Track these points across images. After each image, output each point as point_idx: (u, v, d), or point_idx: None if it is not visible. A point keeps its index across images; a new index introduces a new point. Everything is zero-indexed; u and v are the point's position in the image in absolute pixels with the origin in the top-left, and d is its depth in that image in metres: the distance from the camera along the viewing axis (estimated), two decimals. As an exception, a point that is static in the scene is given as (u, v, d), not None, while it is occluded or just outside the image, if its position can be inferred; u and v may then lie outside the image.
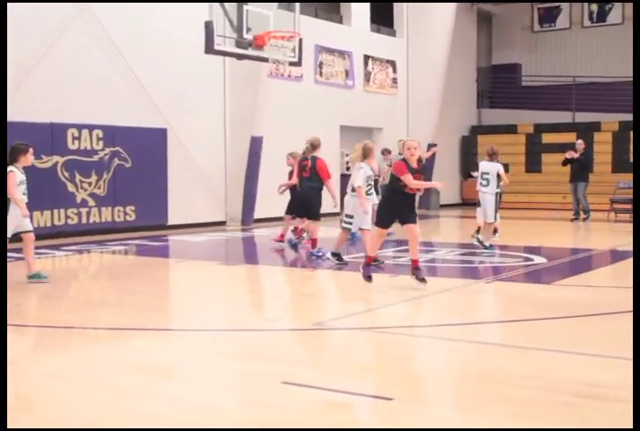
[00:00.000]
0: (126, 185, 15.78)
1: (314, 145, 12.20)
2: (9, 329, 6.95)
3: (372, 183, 11.05)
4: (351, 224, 10.96)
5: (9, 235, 9.33)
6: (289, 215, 13.48)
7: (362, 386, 5.20)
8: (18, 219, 9.28)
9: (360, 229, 11.08)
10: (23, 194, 9.35)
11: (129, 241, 14.34)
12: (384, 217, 9.07)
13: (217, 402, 4.84)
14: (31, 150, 9.45)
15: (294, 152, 13.65)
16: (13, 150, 9.36)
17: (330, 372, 5.62)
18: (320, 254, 11.87)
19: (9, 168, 9.18)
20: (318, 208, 12.26)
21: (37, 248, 12.91)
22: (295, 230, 12.86)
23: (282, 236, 13.42)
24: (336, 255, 11.07)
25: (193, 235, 15.69)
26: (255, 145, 17.93)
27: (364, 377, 5.48)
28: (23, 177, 9.34)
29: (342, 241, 11.19)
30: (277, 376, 5.29)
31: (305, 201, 12.30)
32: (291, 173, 13.47)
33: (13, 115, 13.95)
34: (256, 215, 18.17)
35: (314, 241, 12.09)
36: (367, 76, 22.86)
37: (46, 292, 9.03)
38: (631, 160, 21.84)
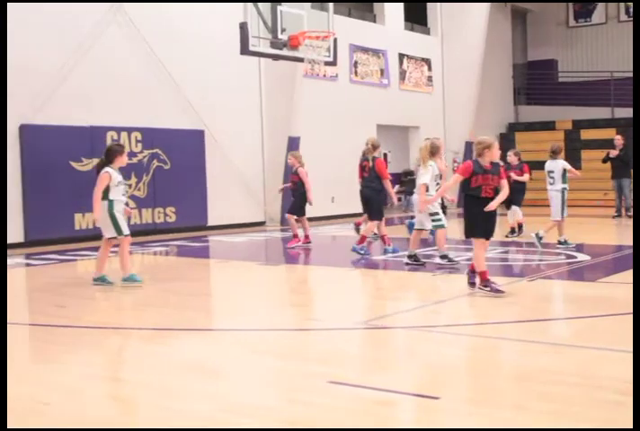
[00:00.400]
0: (165, 186, 15.90)
1: (374, 146, 12.32)
2: (53, 329, 7.04)
3: (440, 182, 10.79)
4: (440, 220, 10.69)
5: (108, 236, 9.39)
6: (291, 214, 13.70)
7: (408, 385, 5.18)
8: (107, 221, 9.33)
9: (415, 229, 10.93)
10: (122, 195, 9.45)
11: (170, 242, 14.43)
12: (474, 229, 8.34)
13: (261, 401, 4.84)
14: (125, 150, 9.57)
15: (295, 152, 13.96)
16: (109, 151, 9.40)
17: (375, 371, 5.60)
18: (362, 252, 11.86)
19: (105, 169, 9.23)
20: (379, 208, 12.30)
21: (78, 250, 13.13)
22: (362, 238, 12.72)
23: (296, 236, 13.58)
24: (445, 257, 10.69)
25: (233, 236, 15.75)
26: (293, 146, 17.96)
27: (409, 376, 5.46)
28: (120, 177, 9.38)
29: (441, 241, 10.78)
30: (322, 375, 5.29)
31: (366, 201, 12.36)
32: (297, 173, 13.61)
33: (53, 119, 14.15)
34: (295, 215, 18.18)
35: (362, 239, 12.08)
36: (402, 75, 22.81)
37: (88, 293, 9.11)
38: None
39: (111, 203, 9.24)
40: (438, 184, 10.73)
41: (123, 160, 9.46)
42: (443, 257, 10.69)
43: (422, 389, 5.10)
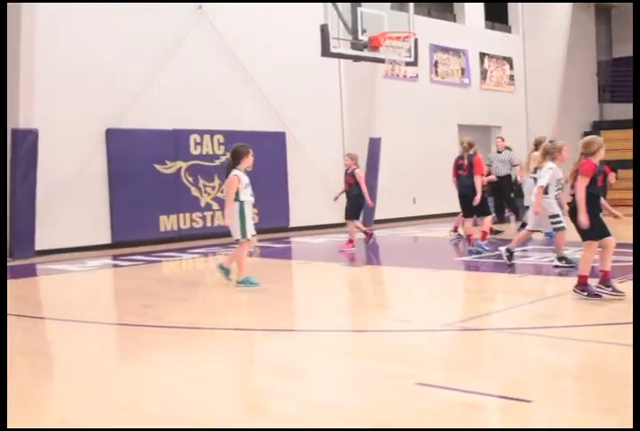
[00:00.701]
0: (247, 188, 16.00)
1: (470, 144, 12.46)
2: (140, 329, 7.15)
3: (562, 187, 10.30)
4: (560, 222, 10.34)
5: (235, 237, 9.37)
6: (350, 219, 13.42)
7: (499, 388, 5.09)
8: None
9: (527, 229, 10.76)
10: (251, 195, 9.42)
11: (253, 244, 14.51)
12: (597, 229, 7.78)
13: (348, 403, 4.81)
14: (251, 151, 9.41)
15: (352, 153, 13.76)
16: (236, 152, 9.33)
17: (464, 373, 5.52)
18: (486, 249, 12.02)
19: (233, 172, 9.25)
20: (485, 204, 12.43)
21: (164, 251, 13.33)
22: (468, 238, 12.52)
23: (352, 242, 13.27)
24: (563, 259, 10.37)
25: (315, 237, 15.79)
26: (374, 147, 17.93)
27: (500, 378, 5.37)
28: (247, 179, 9.34)
29: (560, 243, 10.46)
30: (409, 377, 5.23)
31: (466, 199, 12.32)
32: (352, 175, 13.30)
33: (137, 123, 14.42)
34: (376, 216, 18.13)
35: (484, 234, 12.32)
36: (483, 74, 22.57)
37: (175, 294, 9.23)
38: None
39: (241, 204, 9.26)
40: (559, 189, 10.36)
41: (249, 160, 9.36)
42: (560, 259, 10.40)
43: (513, 391, 5.00)
